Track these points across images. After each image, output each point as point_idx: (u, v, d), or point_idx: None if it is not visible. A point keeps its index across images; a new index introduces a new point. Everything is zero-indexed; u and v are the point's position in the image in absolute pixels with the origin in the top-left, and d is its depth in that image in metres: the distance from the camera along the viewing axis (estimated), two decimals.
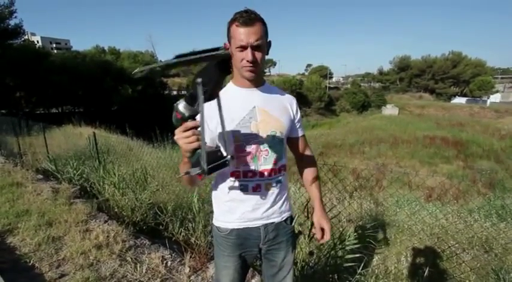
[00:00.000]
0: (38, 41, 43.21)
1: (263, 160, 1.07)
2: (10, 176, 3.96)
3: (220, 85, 0.79)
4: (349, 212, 3.63)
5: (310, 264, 1.97)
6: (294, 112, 1.15)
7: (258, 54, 0.97)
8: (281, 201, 1.15)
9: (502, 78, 62.27)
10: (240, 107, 1.05)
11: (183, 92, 32.91)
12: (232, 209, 1.11)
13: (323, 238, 1.18)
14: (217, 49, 0.69)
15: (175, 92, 34.44)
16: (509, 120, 27.13)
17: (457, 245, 3.15)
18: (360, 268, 1.84)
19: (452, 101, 42.57)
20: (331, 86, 50.77)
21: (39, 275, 1.94)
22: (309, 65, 77.61)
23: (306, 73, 65.23)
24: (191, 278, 1.96)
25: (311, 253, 1.99)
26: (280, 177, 1.11)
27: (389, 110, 35.70)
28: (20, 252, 2.18)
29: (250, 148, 1.05)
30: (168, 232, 2.33)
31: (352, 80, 58.13)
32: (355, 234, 1.91)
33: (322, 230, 1.18)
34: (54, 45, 53.85)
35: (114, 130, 8.22)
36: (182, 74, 45.93)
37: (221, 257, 1.17)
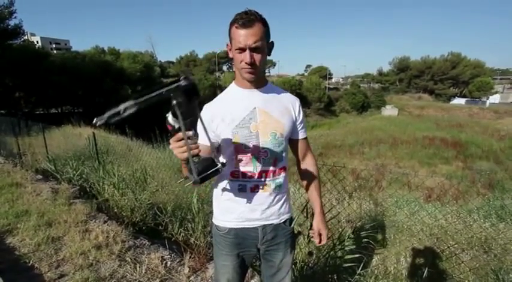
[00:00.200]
0: (37, 42, 43.18)
1: (262, 161, 1.07)
2: (9, 177, 3.96)
3: (194, 106, 0.78)
4: (349, 213, 3.62)
5: (310, 264, 1.97)
6: (296, 113, 1.13)
7: (257, 56, 0.96)
8: (280, 203, 1.15)
9: (501, 79, 62.40)
10: (240, 108, 1.05)
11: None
12: (231, 208, 1.12)
13: (319, 242, 1.21)
14: (178, 80, 0.69)
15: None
16: (509, 121, 27.20)
17: (456, 246, 3.15)
18: (360, 268, 1.85)
19: (451, 102, 42.63)
20: (331, 86, 50.80)
21: (39, 275, 1.93)
22: (308, 66, 77.69)
23: (306, 74, 65.25)
24: (190, 279, 1.96)
25: (310, 253, 1.99)
26: (279, 179, 1.11)
27: (389, 110, 35.76)
28: (20, 252, 2.18)
29: (250, 149, 1.05)
30: (167, 232, 2.33)
31: (352, 80, 58.22)
32: (355, 234, 1.91)
33: (320, 234, 1.20)
34: (53, 46, 53.82)
35: (114, 130, 8.21)
36: (182, 74, 45.88)
37: (220, 256, 1.18)
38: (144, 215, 2.76)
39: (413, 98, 45.47)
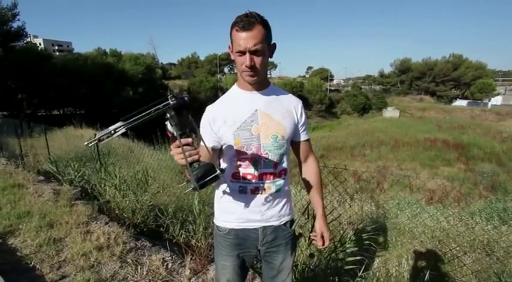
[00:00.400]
0: (40, 44, 43.41)
1: (263, 163, 1.07)
2: (12, 178, 3.98)
3: (186, 118, 0.81)
4: (350, 215, 3.62)
5: (311, 266, 1.96)
6: (298, 116, 1.13)
7: (257, 59, 0.96)
8: (280, 205, 1.15)
9: (503, 80, 62.23)
10: (242, 110, 1.06)
11: (184, 94, 32.94)
12: (231, 209, 1.13)
13: (321, 244, 1.20)
14: (166, 99, 0.72)
15: (176, 91, 34.55)
16: (511, 122, 27.09)
17: (458, 248, 3.13)
18: (361, 271, 1.84)
19: (453, 104, 42.51)
20: (332, 88, 50.88)
21: (40, 276, 1.94)
22: (309, 68, 77.89)
23: (307, 75, 65.33)
24: (191, 280, 1.96)
25: (311, 255, 1.98)
26: (280, 181, 1.11)
27: (390, 112, 35.71)
28: (21, 253, 2.19)
29: (251, 151, 1.05)
30: (168, 234, 2.33)
31: (353, 82, 58.27)
32: (356, 236, 1.90)
33: (322, 237, 1.19)
34: (56, 48, 54.21)
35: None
36: (183, 77, 46.12)
37: (220, 256, 1.18)
38: (146, 217, 2.76)
39: (414, 99, 45.40)
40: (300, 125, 1.14)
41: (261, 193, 1.09)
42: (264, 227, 1.14)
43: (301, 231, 2.04)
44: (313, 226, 1.23)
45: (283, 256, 1.19)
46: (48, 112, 23.53)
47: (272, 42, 1.02)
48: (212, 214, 1.23)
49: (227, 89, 1.14)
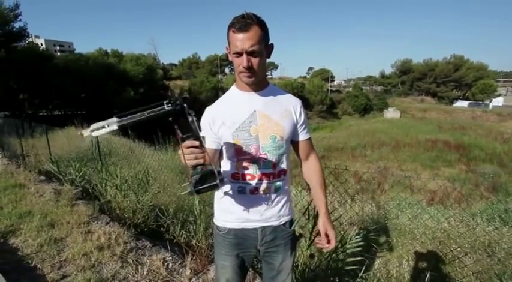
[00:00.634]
0: (41, 44, 43.55)
1: (262, 164, 1.07)
2: (13, 178, 3.99)
3: (187, 123, 0.81)
4: (351, 215, 3.61)
5: (311, 267, 1.96)
6: (298, 115, 1.12)
7: (255, 60, 0.96)
8: (280, 205, 1.15)
9: (504, 81, 62.07)
10: (241, 111, 1.06)
11: (184, 95, 33.08)
12: (231, 209, 1.13)
13: (327, 245, 1.11)
14: (162, 104, 0.72)
15: (177, 95, 34.60)
16: None
17: (459, 249, 3.13)
18: (362, 271, 1.84)
19: (454, 105, 42.45)
20: (333, 89, 50.89)
21: (41, 276, 1.94)
22: (310, 68, 77.88)
23: (308, 76, 65.33)
24: (192, 280, 1.96)
25: (312, 256, 1.98)
26: (279, 182, 1.12)
27: (391, 113, 35.67)
28: (22, 253, 2.19)
29: (250, 152, 1.06)
30: (169, 234, 2.33)
31: (354, 83, 58.19)
32: (357, 237, 1.90)
33: (327, 236, 1.12)
34: (57, 48, 54.39)
35: (116, 132, 8.25)
36: (184, 77, 46.20)
37: (219, 256, 1.19)
38: (146, 217, 2.77)
39: (415, 100, 45.36)
40: (299, 125, 1.14)
41: (260, 193, 1.10)
42: (263, 227, 1.14)
43: (301, 232, 2.04)
44: (313, 226, 1.21)
45: (282, 256, 1.19)
46: (50, 112, 23.61)
47: (270, 43, 1.02)
48: (212, 214, 1.24)
49: (228, 90, 1.15)
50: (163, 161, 4.62)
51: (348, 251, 1.89)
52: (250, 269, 1.85)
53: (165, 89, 32.31)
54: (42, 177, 4.14)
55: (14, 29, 19.64)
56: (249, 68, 0.97)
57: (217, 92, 31.77)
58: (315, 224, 1.79)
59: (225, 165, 1.12)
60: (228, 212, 1.14)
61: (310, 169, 1.20)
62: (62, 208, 2.90)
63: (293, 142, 1.16)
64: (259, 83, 1.07)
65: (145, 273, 1.98)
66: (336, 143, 20.16)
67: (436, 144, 18.75)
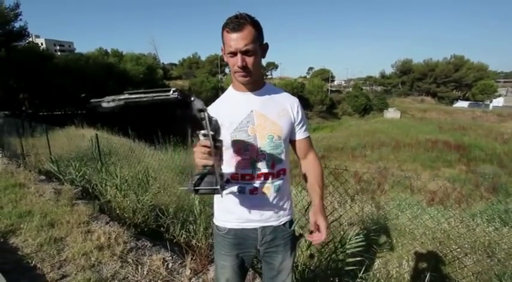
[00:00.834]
0: (42, 43, 43.53)
1: (261, 164, 1.07)
2: (13, 177, 3.99)
3: (197, 120, 0.79)
4: (351, 216, 3.62)
5: (311, 267, 1.96)
6: (295, 114, 1.12)
7: (249, 59, 0.97)
8: (279, 205, 1.15)
9: (504, 82, 62.07)
10: (238, 111, 1.06)
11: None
12: (231, 209, 1.13)
13: (317, 237, 1.06)
14: (165, 91, 0.70)
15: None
16: None
17: (459, 250, 3.13)
18: (361, 272, 1.84)
19: (454, 105, 42.46)
20: (333, 89, 50.90)
21: (41, 275, 1.94)
22: (310, 68, 77.79)
23: (308, 76, 65.33)
24: (192, 280, 1.96)
25: (312, 256, 1.98)
26: (278, 181, 1.11)
27: (391, 113, 35.68)
28: (22, 252, 2.19)
29: (248, 152, 1.06)
30: (169, 234, 2.33)
31: (354, 83, 58.17)
32: (357, 237, 1.90)
33: (318, 227, 1.07)
34: (58, 48, 54.38)
35: (117, 132, 8.26)
36: (184, 77, 46.22)
37: (219, 256, 1.19)
38: (146, 217, 2.77)
39: (415, 100, 45.35)
40: (296, 124, 1.13)
41: (260, 193, 1.09)
42: (263, 227, 1.14)
43: (301, 232, 2.04)
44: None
45: (282, 256, 1.19)
46: (50, 112, 23.60)
47: (264, 42, 1.02)
48: (212, 214, 1.24)
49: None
50: (163, 160, 4.62)
51: (347, 251, 1.89)
52: (250, 269, 1.85)
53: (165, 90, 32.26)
54: (42, 177, 4.15)
55: (15, 29, 19.66)
56: (244, 68, 0.97)
57: (218, 91, 31.79)
58: None
59: (224, 166, 1.12)
60: (227, 212, 1.15)
61: (309, 164, 1.19)
62: (62, 208, 2.90)
63: (291, 141, 1.16)
64: (256, 82, 1.07)
65: (145, 273, 1.98)
66: (336, 143, 20.14)
67: (436, 145, 18.74)
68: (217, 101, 1.13)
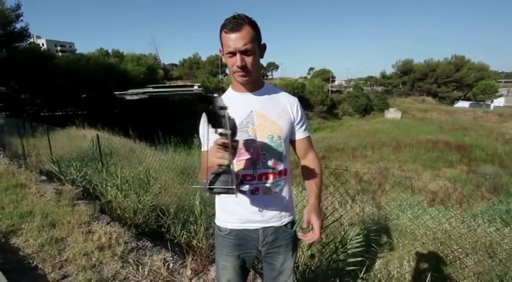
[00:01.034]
0: (43, 44, 43.70)
1: (261, 164, 1.08)
2: (14, 177, 4.00)
3: (218, 117, 0.79)
4: (351, 216, 3.62)
5: (312, 267, 1.96)
6: (295, 114, 1.12)
7: (248, 59, 0.97)
8: (281, 206, 1.14)
9: (505, 82, 61.95)
10: (238, 112, 1.06)
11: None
12: (232, 210, 1.13)
13: (310, 236, 1.04)
14: (190, 86, 0.70)
15: None
16: None
17: (460, 250, 3.12)
18: (362, 272, 1.83)
19: (455, 105, 42.37)
20: (334, 89, 50.86)
21: (42, 275, 1.95)
22: (311, 69, 77.83)
23: (309, 76, 65.32)
24: (192, 281, 1.96)
25: (312, 256, 1.98)
26: (279, 182, 1.11)
27: (392, 113, 35.62)
28: (24, 253, 2.20)
29: (249, 152, 1.06)
30: (170, 234, 2.34)
31: (355, 83, 58.11)
32: (357, 237, 1.90)
33: (311, 225, 1.05)
34: (59, 48, 54.47)
35: (117, 132, 8.28)
36: (185, 77, 46.25)
37: (220, 256, 1.19)
38: (147, 217, 2.77)
39: (416, 101, 45.28)
40: (296, 123, 1.13)
41: (261, 194, 1.09)
42: (265, 228, 1.14)
43: (301, 227, 2.04)
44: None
45: (284, 257, 1.18)
46: (51, 112, 23.65)
47: (262, 43, 1.03)
48: (213, 215, 1.24)
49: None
50: (164, 161, 4.62)
51: (348, 252, 1.89)
52: (251, 270, 1.85)
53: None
54: (44, 177, 4.15)
55: (16, 30, 19.71)
56: (243, 67, 0.98)
57: (218, 92, 31.76)
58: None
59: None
60: (229, 213, 1.15)
61: (308, 165, 1.18)
62: (63, 208, 2.90)
63: (291, 141, 1.16)
64: (255, 83, 1.08)
65: (146, 273, 1.98)
66: (336, 144, 20.11)
67: (437, 145, 18.70)
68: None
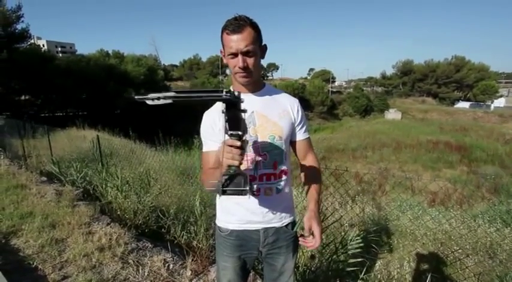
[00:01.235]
0: (43, 45, 43.76)
1: (262, 165, 1.08)
2: (15, 178, 4.00)
3: (237, 120, 0.80)
4: (351, 216, 3.61)
5: (312, 268, 1.96)
6: (295, 114, 1.13)
7: (250, 60, 0.98)
8: (282, 206, 1.15)
9: (506, 82, 61.96)
10: None
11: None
12: (233, 210, 1.13)
13: (312, 243, 1.03)
14: (217, 91, 0.69)
15: None
16: None
17: (460, 251, 3.12)
18: (362, 273, 1.83)
19: (455, 106, 42.38)
20: (334, 90, 50.90)
21: (43, 276, 1.95)
22: (311, 69, 77.91)
23: (309, 77, 65.37)
24: (193, 281, 1.96)
25: (313, 257, 1.98)
26: (280, 182, 1.11)
27: (392, 114, 35.62)
28: (24, 253, 2.20)
29: (250, 153, 1.06)
30: (170, 235, 2.34)
31: (355, 84, 58.10)
32: (357, 238, 1.90)
33: (312, 233, 1.05)
34: (59, 49, 54.59)
35: (118, 133, 8.29)
36: (185, 78, 46.31)
37: (221, 257, 1.19)
38: (147, 218, 2.77)
39: (416, 101, 45.28)
40: (296, 124, 1.14)
41: (262, 194, 1.09)
42: (265, 229, 1.14)
43: (302, 233, 2.04)
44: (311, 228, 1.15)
45: (284, 258, 1.18)
46: (51, 113, 23.69)
47: (263, 44, 1.03)
48: (213, 215, 1.24)
49: None
50: (164, 162, 4.62)
51: (348, 252, 1.89)
52: (252, 271, 1.85)
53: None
54: (44, 178, 4.15)
55: (16, 31, 19.77)
56: (245, 68, 0.98)
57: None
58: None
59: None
60: (230, 213, 1.15)
61: (307, 168, 1.19)
62: (63, 209, 2.91)
63: (291, 142, 1.16)
64: (256, 83, 1.08)
65: (146, 274, 1.98)
66: (336, 144, 20.10)
67: (437, 146, 18.69)
68: (217, 103, 1.13)
